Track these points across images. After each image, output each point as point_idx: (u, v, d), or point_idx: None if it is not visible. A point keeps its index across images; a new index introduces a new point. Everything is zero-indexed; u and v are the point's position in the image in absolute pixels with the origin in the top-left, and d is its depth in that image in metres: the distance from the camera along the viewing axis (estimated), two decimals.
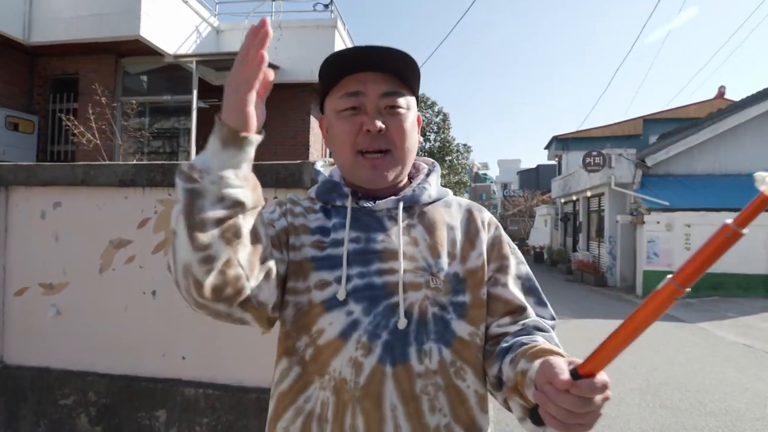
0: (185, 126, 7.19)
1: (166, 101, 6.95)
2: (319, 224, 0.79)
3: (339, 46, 7.53)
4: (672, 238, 9.91)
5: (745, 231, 0.47)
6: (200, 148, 6.22)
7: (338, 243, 0.76)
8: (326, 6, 7.46)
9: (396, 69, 0.77)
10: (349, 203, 0.79)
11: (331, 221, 0.79)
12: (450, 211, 0.84)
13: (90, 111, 4.91)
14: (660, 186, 10.71)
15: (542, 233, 21.15)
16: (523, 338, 0.72)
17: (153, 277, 2.20)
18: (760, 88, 11.49)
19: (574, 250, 15.64)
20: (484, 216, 0.85)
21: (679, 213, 9.83)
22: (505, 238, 0.85)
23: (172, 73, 6.82)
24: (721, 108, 13.69)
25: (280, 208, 0.83)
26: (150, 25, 5.85)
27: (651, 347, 5.61)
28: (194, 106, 6.48)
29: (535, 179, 32.51)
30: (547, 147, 21.17)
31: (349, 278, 0.73)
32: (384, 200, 0.80)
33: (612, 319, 7.25)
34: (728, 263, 9.62)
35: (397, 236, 0.77)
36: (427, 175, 0.87)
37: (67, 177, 2.27)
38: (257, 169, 2.33)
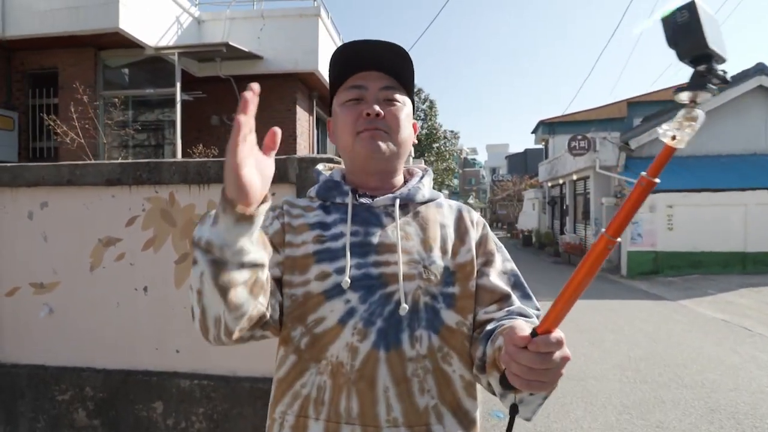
0: (169, 118, 7.12)
1: (149, 94, 6.86)
2: (318, 220, 0.85)
3: (323, 35, 7.47)
4: (655, 219, 10.15)
5: (657, 180, 0.54)
6: (185, 140, 6.13)
7: (337, 237, 0.82)
8: None
9: (395, 70, 0.86)
10: (349, 199, 0.85)
11: (330, 217, 0.85)
12: (442, 211, 0.90)
13: (72, 110, 4.84)
14: (643, 168, 10.44)
15: (530, 217, 21.41)
16: (505, 321, 0.76)
17: (144, 274, 2.25)
18: (740, 69, 11.69)
19: (562, 232, 15.91)
20: (473, 216, 0.92)
21: (661, 194, 10.04)
22: (492, 236, 0.91)
23: (153, 65, 6.72)
24: None
25: (272, 212, 0.89)
26: (129, 16, 5.75)
27: (633, 325, 5.81)
28: (178, 98, 6.41)
29: (523, 163, 32.73)
30: (534, 131, 21.31)
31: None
32: (382, 198, 0.86)
33: (598, 299, 7.46)
34: (707, 242, 9.93)
35: (394, 231, 0.82)
36: (421, 178, 0.94)
37: (52, 177, 2.28)
38: None
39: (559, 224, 16.85)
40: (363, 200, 0.86)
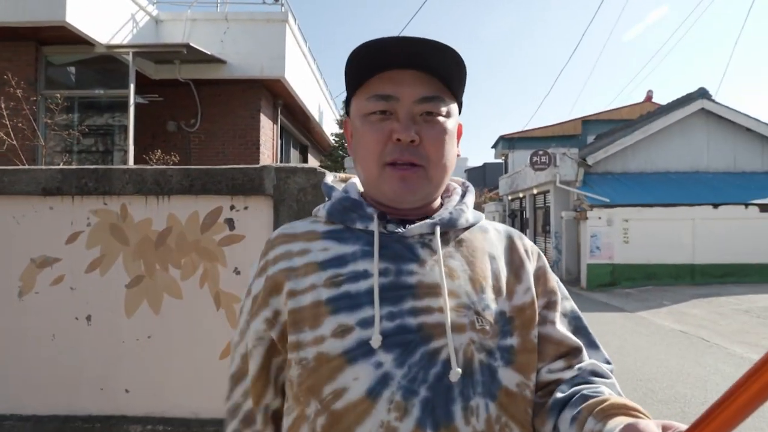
0: (120, 122, 6.58)
1: (98, 96, 6.32)
2: (331, 254, 0.65)
3: (290, 42, 7.23)
4: (612, 232, 10.53)
5: None
6: (138, 146, 5.61)
7: (359, 276, 0.62)
8: None
9: (438, 68, 0.64)
10: (376, 227, 0.65)
11: (347, 247, 0.65)
12: (488, 237, 0.71)
13: (2, 106, 4.30)
14: (600, 183, 11.34)
15: None
16: (584, 389, 0.60)
17: (87, 300, 1.91)
18: (684, 93, 12.50)
19: None
20: (526, 244, 0.74)
21: (618, 209, 10.45)
22: (550, 269, 0.74)
23: (104, 65, 6.20)
24: (650, 111, 14.77)
25: (258, 263, 0.69)
26: (77, 9, 5.26)
27: (601, 338, 5.83)
28: (131, 101, 5.93)
29: (482, 177, 33.60)
30: (494, 146, 21.84)
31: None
32: (417, 224, 0.66)
33: None
34: (660, 255, 10.41)
35: (434, 267, 0.63)
36: (462, 196, 0.74)
37: None
38: (209, 175, 2.04)
39: None
40: (392, 228, 0.66)
